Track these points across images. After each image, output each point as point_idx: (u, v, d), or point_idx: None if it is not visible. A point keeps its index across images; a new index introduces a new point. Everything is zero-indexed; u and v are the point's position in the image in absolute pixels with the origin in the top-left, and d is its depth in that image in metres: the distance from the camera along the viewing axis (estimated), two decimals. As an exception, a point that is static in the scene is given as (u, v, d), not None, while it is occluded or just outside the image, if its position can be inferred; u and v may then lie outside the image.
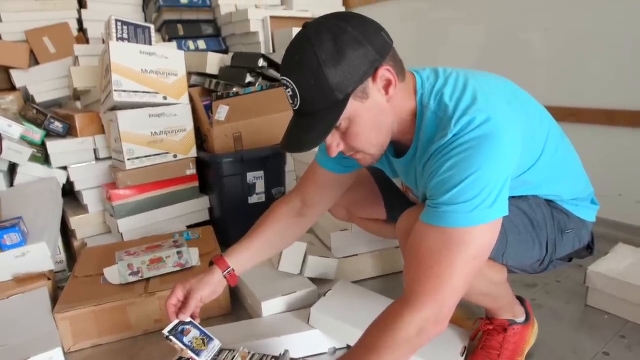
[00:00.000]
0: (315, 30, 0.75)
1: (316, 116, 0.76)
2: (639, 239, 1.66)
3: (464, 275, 0.75)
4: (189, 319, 0.97)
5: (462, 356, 1.04)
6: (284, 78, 0.77)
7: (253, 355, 1.00)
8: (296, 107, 0.78)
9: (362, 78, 0.75)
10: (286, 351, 0.99)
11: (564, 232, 0.97)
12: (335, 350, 1.15)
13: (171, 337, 0.92)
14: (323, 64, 0.73)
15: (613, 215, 1.75)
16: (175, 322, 0.96)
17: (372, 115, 0.79)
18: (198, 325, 0.98)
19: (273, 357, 0.99)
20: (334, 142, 0.81)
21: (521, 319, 1.06)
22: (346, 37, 0.73)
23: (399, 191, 1.21)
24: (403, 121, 0.84)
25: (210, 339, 0.98)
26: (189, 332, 0.96)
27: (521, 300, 1.10)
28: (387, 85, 0.78)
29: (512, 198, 0.89)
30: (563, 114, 1.81)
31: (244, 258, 1.02)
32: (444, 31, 2.31)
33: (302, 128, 0.78)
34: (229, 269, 1.00)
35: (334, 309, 1.14)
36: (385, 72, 0.76)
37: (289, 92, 0.78)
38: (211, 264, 1.02)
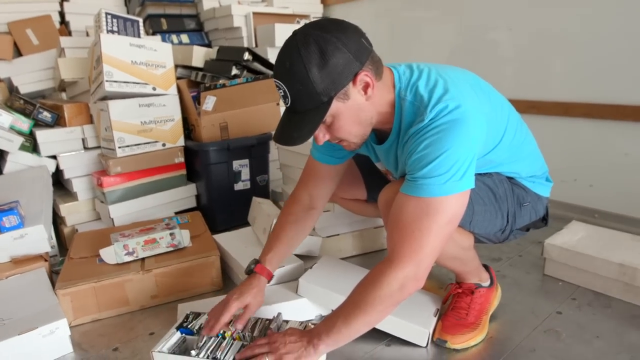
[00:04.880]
0: (303, 40, 0.85)
1: (304, 115, 0.89)
2: (592, 220, 1.85)
3: (439, 238, 0.88)
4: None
5: (435, 317, 1.17)
6: (276, 81, 0.89)
7: (249, 319, 1.10)
8: (288, 105, 0.90)
9: (343, 83, 0.87)
10: (279, 314, 1.10)
11: (522, 205, 1.12)
12: (322, 317, 1.26)
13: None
14: (309, 72, 0.84)
15: (569, 198, 1.94)
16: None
17: (353, 112, 0.91)
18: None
19: (267, 319, 1.09)
20: (321, 133, 0.94)
21: (486, 283, 1.20)
22: (330, 47, 0.84)
23: (378, 173, 1.33)
24: (381, 113, 0.96)
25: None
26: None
27: (486, 267, 1.24)
28: (366, 87, 0.90)
29: (478, 175, 1.03)
30: (525, 106, 1.98)
31: (277, 260, 1.18)
32: (417, 29, 2.45)
33: (293, 125, 0.91)
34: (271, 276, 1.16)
35: (320, 279, 1.26)
36: (363, 77, 0.88)
37: (281, 92, 0.89)
38: (251, 271, 1.14)
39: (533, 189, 1.14)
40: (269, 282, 1.15)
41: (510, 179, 1.12)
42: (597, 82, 1.80)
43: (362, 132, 0.96)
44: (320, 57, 0.84)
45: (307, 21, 1.22)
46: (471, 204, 1.00)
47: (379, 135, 1.05)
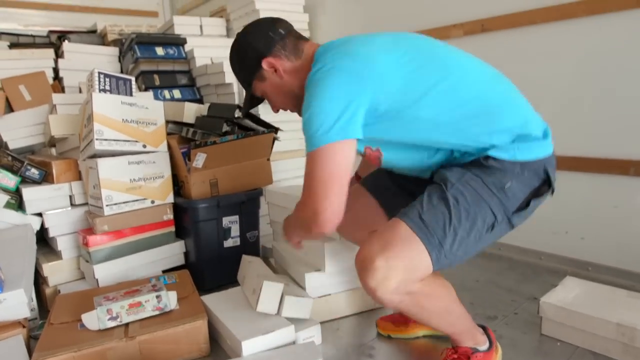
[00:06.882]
0: (233, 44, 1.18)
1: (245, 92, 1.23)
2: (585, 272, 1.83)
3: (325, 184, 0.98)
4: None
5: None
6: None
7: None
8: None
9: (254, 70, 1.14)
10: None
11: (504, 188, 1.00)
12: None
13: None
14: (234, 65, 1.19)
15: (561, 250, 1.93)
16: None
17: (274, 89, 1.16)
18: None
19: None
20: (270, 106, 1.23)
21: (484, 346, 1.16)
22: (242, 47, 1.15)
23: (394, 196, 1.29)
24: (303, 85, 1.10)
25: None
26: None
27: (484, 328, 1.20)
28: (275, 69, 1.12)
29: (441, 199, 0.98)
30: (513, 160, 2.01)
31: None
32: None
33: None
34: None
35: None
36: (269, 62, 1.11)
37: None
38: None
39: (515, 157, 1.01)
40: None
41: (484, 159, 1.02)
42: (582, 136, 1.83)
43: (288, 101, 1.18)
44: (237, 56, 1.16)
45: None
46: (454, 229, 0.96)
47: None
